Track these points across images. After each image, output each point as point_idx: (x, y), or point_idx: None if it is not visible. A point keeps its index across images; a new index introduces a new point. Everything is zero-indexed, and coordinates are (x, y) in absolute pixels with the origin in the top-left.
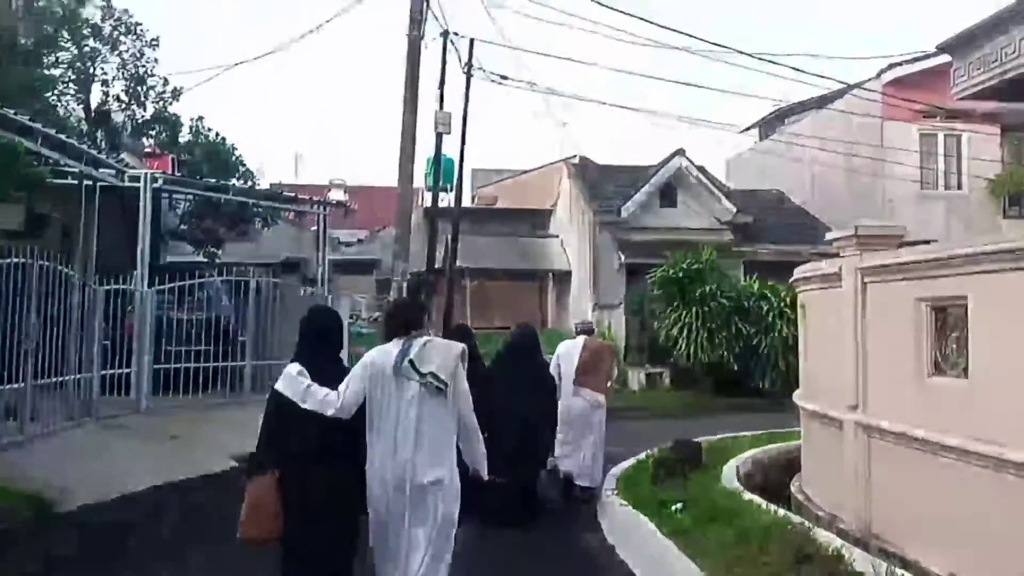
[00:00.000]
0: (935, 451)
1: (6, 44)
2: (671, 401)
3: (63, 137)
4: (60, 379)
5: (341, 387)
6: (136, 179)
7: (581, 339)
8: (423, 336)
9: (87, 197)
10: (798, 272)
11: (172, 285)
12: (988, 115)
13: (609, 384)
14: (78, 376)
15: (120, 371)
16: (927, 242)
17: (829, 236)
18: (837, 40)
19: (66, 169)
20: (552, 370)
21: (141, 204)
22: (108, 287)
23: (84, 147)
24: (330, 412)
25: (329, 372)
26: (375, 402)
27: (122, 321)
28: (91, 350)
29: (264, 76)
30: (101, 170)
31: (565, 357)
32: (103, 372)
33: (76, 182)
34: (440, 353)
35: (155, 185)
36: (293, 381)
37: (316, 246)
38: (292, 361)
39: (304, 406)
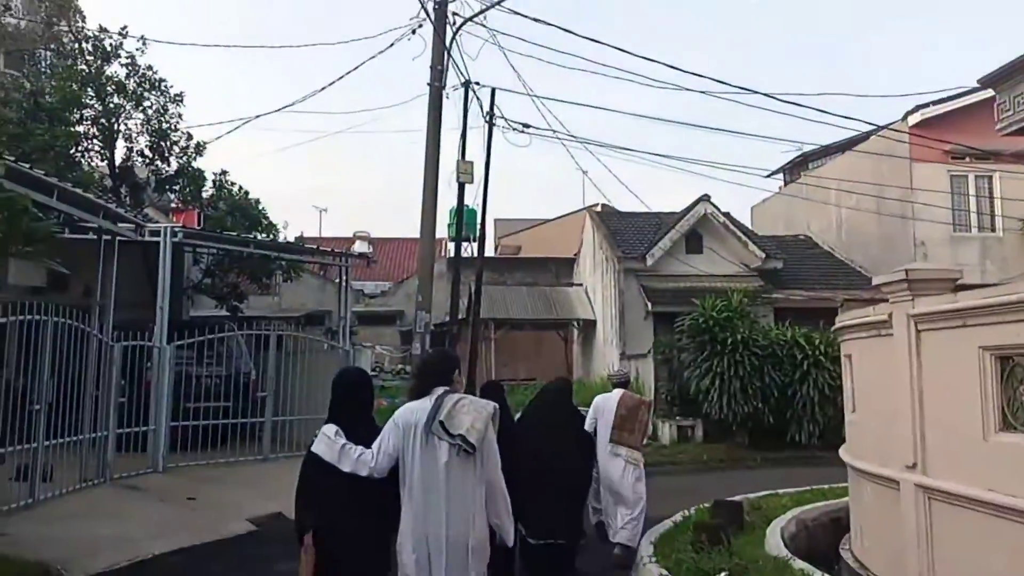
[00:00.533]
0: (1007, 515)
1: (31, 104)
2: (705, 455)
3: (79, 191)
4: (75, 438)
5: (375, 446)
6: (157, 233)
7: (617, 393)
8: (455, 394)
9: (106, 252)
10: (841, 319)
11: (191, 340)
12: (1018, 155)
13: (642, 439)
14: (93, 435)
15: (137, 429)
16: (981, 286)
17: (876, 280)
18: (859, 83)
19: (86, 224)
20: (588, 425)
21: (160, 258)
22: (126, 343)
23: (102, 202)
24: (365, 472)
25: (361, 431)
26: (406, 462)
27: (140, 377)
28: (107, 408)
29: (288, 131)
30: (121, 225)
31: (601, 411)
32: (119, 430)
33: (96, 237)
34: (471, 414)
35: (175, 239)
36: (331, 443)
37: (339, 298)
38: (327, 422)
39: (342, 468)
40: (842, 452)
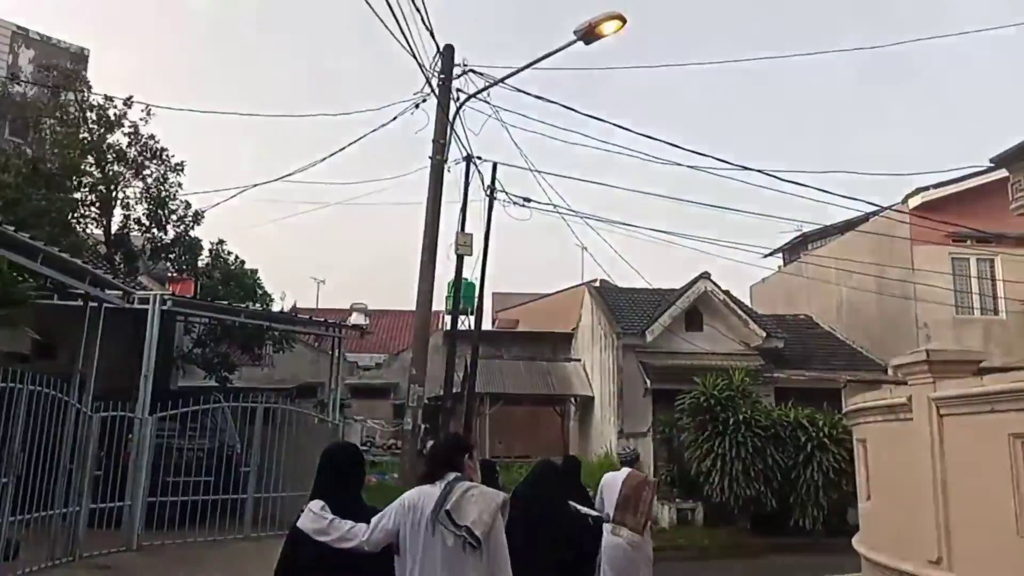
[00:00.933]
0: None
1: (29, 170)
2: (706, 540)
3: (65, 256)
4: (45, 513)
5: (374, 520)
6: (146, 301)
7: (624, 471)
8: (465, 482)
9: (92, 319)
10: (854, 402)
11: (175, 411)
12: (1021, 239)
13: (646, 523)
14: (65, 510)
15: (112, 504)
16: (1005, 369)
17: (895, 361)
18: (857, 163)
19: (75, 291)
20: (597, 505)
21: (148, 326)
22: (105, 413)
23: (88, 267)
24: (352, 544)
25: (350, 509)
26: (407, 548)
27: (120, 449)
28: (81, 481)
29: (288, 201)
30: (109, 292)
31: (608, 490)
32: (93, 505)
33: (82, 304)
34: (478, 505)
35: (164, 307)
36: (316, 518)
37: (331, 370)
38: (312, 498)
39: (327, 539)
40: (856, 542)
